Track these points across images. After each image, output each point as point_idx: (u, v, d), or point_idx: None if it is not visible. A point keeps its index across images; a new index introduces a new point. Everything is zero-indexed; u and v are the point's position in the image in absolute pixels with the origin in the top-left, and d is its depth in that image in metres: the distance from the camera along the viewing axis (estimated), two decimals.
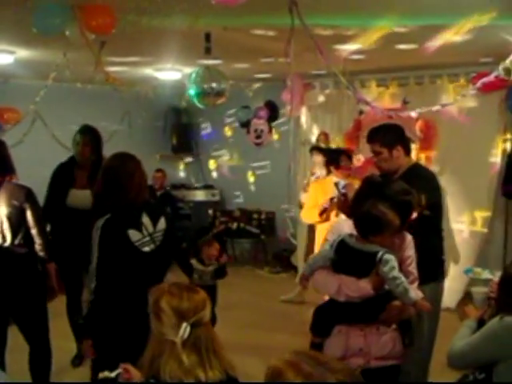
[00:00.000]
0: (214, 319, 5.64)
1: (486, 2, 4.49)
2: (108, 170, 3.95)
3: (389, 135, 4.43)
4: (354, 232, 3.40)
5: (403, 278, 3.27)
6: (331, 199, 6.06)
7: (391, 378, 3.48)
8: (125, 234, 3.73)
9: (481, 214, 7.84)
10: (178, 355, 2.38)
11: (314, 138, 8.69)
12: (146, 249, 3.81)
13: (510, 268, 3.32)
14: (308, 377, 1.73)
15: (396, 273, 3.24)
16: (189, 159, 11.74)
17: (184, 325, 2.40)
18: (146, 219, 3.83)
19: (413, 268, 3.51)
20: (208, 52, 5.42)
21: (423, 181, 4.25)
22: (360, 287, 3.28)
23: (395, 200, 3.35)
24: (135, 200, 3.83)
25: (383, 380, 3.42)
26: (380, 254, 3.25)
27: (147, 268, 3.84)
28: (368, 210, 3.30)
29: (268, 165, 10.36)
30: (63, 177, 5.64)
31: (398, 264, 3.33)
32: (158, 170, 10.51)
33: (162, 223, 3.92)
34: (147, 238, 3.82)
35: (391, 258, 3.25)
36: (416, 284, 3.50)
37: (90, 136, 5.62)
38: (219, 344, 2.50)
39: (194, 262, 5.62)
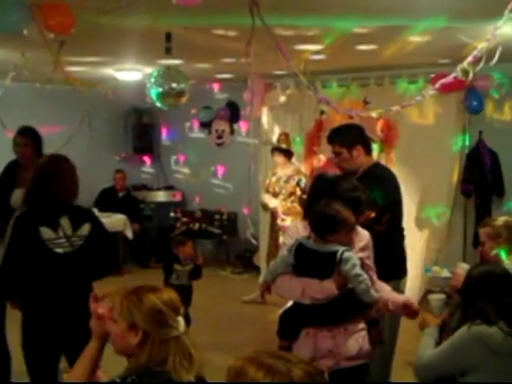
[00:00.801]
0: (188, 320, 5.67)
1: (441, 5, 4.55)
2: (40, 167, 4.02)
3: (348, 135, 4.46)
4: (310, 233, 3.41)
5: (365, 275, 3.28)
6: None
7: (362, 377, 3.49)
8: (36, 230, 3.75)
9: (440, 213, 7.94)
10: (186, 349, 2.34)
11: (275, 138, 8.70)
12: (59, 250, 3.82)
13: (473, 272, 3.32)
14: (269, 369, 1.72)
15: (358, 270, 3.25)
16: (150, 160, 11.68)
17: (180, 318, 2.39)
18: (65, 221, 3.85)
19: (372, 263, 3.54)
20: (169, 52, 5.39)
21: (382, 180, 4.29)
22: (324, 288, 3.28)
23: (346, 197, 3.38)
24: (58, 200, 3.86)
25: (354, 380, 3.43)
26: (339, 253, 3.25)
27: (61, 270, 3.85)
28: (322, 210, 3.32)
29: (229, 165, 10.35)
30: (6, 178, 5.58)
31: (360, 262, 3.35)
32: (118, 171, 10.45)
33: (85, 229, 3.93)
34: (63, 240, 3.83)
35: (351, 256, 3.26)
36: (375, 277, 3.53)
37: (29, 137, 5.55)
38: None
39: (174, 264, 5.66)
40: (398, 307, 3.49)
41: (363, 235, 3.54)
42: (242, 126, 10.06)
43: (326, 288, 3.28)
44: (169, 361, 2.29)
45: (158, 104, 5.60)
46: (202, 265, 5.83)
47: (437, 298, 3.65)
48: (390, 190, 4.29)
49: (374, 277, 3.53)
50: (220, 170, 10.68)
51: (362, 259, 3.39)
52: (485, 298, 3.09)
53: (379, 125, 7.98)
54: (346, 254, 3.26)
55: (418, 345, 3.39)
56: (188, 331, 2.46)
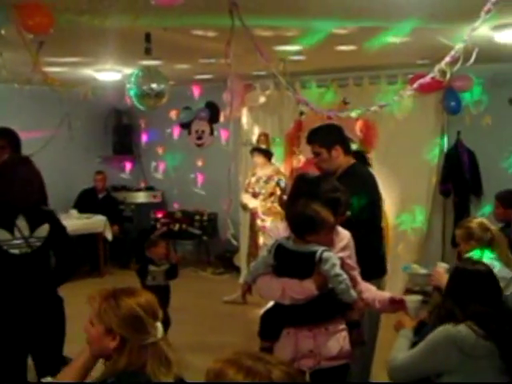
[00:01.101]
0: (167, 320, 5.67)
1: (419, 7, 4.59)
2: None
3: (327, 136, 4.47)
4: (290, 234, 3.42)
5: (345, 275, 3.29)
6: None
7: (342, 377, 3.51)
8: None
9: (419, 212, 8.00)
10: (163, 354, 2.34)
11: (254, 139, 8.71)
12: (15, 251, 3.82)
13: (451, 272, 3.33)
14: (249, 371, 1.73)
15: (338, 270, 3.26)
16: (130, 161, 11.65)
17: (158, 324, 2.38)
18: (22, 222, 3.84)
19: (354, 263, 3.56)
20: (148, 53, 5.38)
21: (360, 180, 4.31)
22: (304, 288, 3.29)
23: (326, 198, 3.40)
24: (13, 202, 3.85)
25: (335, 380, 3.45)
26: (318, 253, 3.26)
27: (18, 271, 3.85)
28: (301, 210, 3.33)
29: (210, 166, 10.35)
30: None
31: (341, 262, 3.38)
32: (98, 172, 10.40)
33: (43, 230, 3.92)
34: (20, 241, 3.83)
35: (331, 256, 3.27)
36: (359, 277, 3.56)
37: (7, 138, 5.50)
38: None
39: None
40: (386, 304, 3.51)
41: (344, 235, 3.56)
42: (222, 134, 10.10)
43: (306, 288, 3.29)
44: (147, 366, 2.29)
45: (138, 105, 5.59)
46: (178, 263, 5.83)
47: (413, 300, 3.64)
48: (368, 190, 4.31)
49: (358, 277, 3.56)
50: (200, 171, 10.68)
51: (342, 259, 3.41)
52: (456, 297, 3.10)
53: (358, 125, 8.02)
54: (326, 254, 3.27)
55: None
56: (166, 335, 2.46)
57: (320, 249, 3.28)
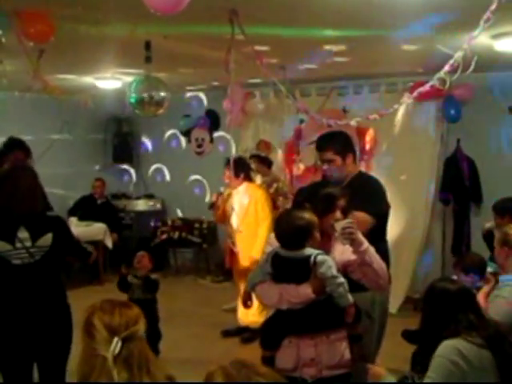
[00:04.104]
0: (158, 335, 5.62)
1: (418, 15, 4.60)
2: None
3: (341, 142, 4.37)
4: None
5: (342, 278, 3.29)
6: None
7: None
8: None
9: (419, 220, 7.99)
10: (108, 371, 2.31)
11: (254, 146, 8.71)
12: (17, 261, 3.80)
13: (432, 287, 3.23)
14: (230, 377, 1.91)
15: (334, 271, 3.26)
16: (130, 169, 11.64)
17: (115, 339, 2.35)
18: (23, 234, 3.82)
19: (361, 239, 3.42)
20: (148, 61, 5.39)
21: (372, 190, 4.25)
22: (300, 293, 3.30)
23: (321, 194, 3.47)
24: (17, 211, 3.84)
25: None
26: (312, 257, 3.27)
27: (21, 280, 3.84)
28: (288, 226, 3.38)
29: (209, 174, 10.34)
30: None
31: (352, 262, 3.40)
32: (97, 179, 10.40)
33: (46, 239, 3.90)
34: (21, 251, 3.80)
35: (326, 259, 3.27)
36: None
37: (26, 151, 5.53)
38: (153, 361, 2.43)
39: (130, 277, 5.63)
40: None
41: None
42: (220, 146, 10.15)
43: (302, 292, 3.30)
44: (92, 378, 2.30)
45: (138, 112, 5.59)
46: (149, 275, 5.71)
47: (340, 223, 3.44)
48: (379, 200, 4.26)
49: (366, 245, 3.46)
50: (200, 179, 10.67)
51: (346, 263, 3.43)
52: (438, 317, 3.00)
53: (369, 134, 8.01)
54: (320, 258, 3.27)
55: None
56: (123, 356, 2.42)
57: (314, 252, 3.28)
